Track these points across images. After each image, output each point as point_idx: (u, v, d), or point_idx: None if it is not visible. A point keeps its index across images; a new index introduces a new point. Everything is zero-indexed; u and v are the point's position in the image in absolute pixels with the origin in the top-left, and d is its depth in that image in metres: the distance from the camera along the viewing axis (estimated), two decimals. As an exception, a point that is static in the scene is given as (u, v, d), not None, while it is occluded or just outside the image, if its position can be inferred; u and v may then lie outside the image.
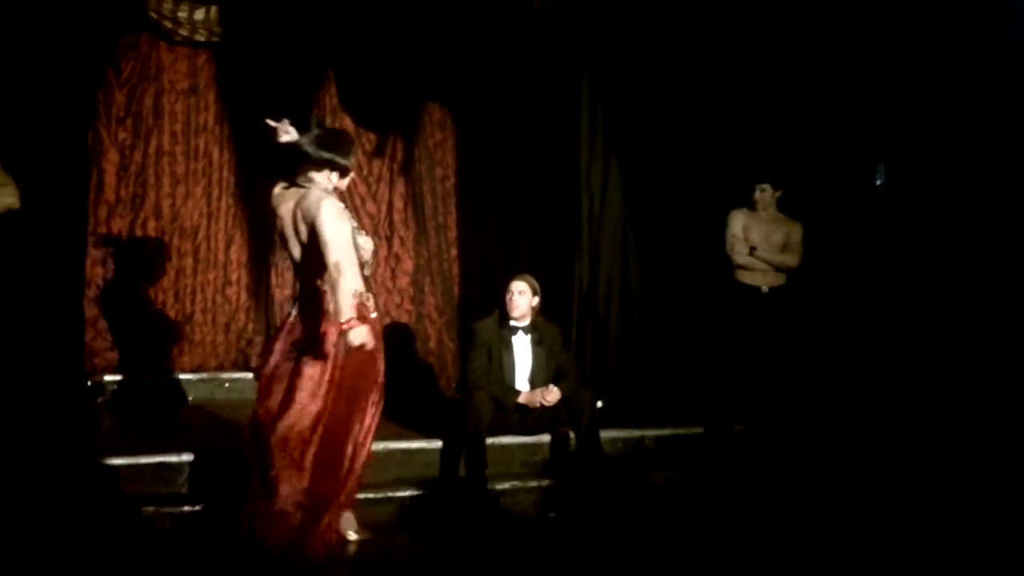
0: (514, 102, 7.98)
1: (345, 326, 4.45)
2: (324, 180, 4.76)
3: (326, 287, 4.59)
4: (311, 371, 4.65)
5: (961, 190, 7.28)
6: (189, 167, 7.80)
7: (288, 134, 4.85)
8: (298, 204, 4.70)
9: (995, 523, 5.42)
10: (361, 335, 4.48)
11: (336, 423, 4.69)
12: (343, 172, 4.85)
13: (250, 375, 7.65)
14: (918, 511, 5.69)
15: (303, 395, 4.64)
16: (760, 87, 7.56)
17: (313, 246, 4.60)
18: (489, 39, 7.75)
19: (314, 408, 4.64)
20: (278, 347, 4.81)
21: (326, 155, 4.77)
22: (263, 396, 4.75)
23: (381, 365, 4.85)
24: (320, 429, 4.65)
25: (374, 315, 4.75)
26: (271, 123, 4.88)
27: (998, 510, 5.62)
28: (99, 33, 7.08)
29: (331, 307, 4.55)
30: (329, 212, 4.54)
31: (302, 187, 4.75)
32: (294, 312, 4.86)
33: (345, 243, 4.53)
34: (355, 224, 4.76)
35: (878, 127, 7.57)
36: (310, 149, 4.77)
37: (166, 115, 7.75)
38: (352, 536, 4.99)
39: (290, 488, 4.62)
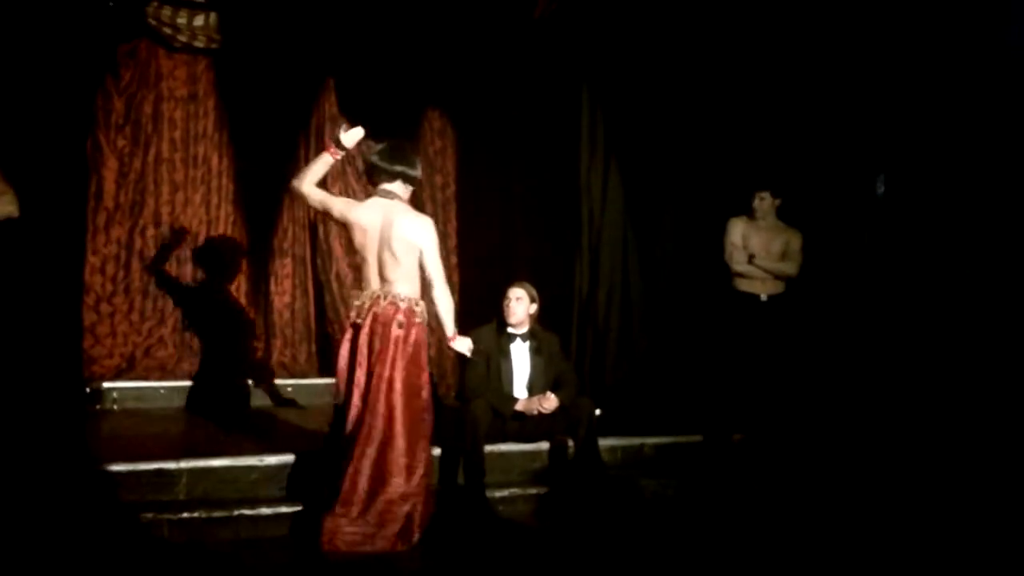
0: (514, 110, 7.99)
1: (451, 339, 5.17)
2: (399, 191, 5.07)
3: (404, 297, 4.97)
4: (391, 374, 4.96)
5: (962, 199, 7.28)
6: (188, 174, 7.80)
7: (353, 135, 5.17)
8: (387, 217, 4.97)
9: (995, 535, 5.41)
10: (465, 344, 5.23)
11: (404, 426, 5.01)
12: (412, 182, 5.15)
13: (249, 381, 7.67)
14: (917, 519, 5.68)
15: (394, 397, 4.96)
16: (760, 96, 7.56)
17: (400, 258, 4.94)
18: (490, 48, 7.76)
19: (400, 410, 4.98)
20: (346, 350, 5.09)
21: (398, 167, 5.06)
22: (347, 399, 5.03)
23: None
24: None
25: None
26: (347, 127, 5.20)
27: (997, 520, 5.61)
28: (98, 40, 7.07)
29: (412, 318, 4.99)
30: (434, 240, 4.98)
31: (383, 198, 5.03)
32: (366, 317, 5.01)
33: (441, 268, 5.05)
34: None
35: (879, 136, 7.58)
36: (381, 162, 5.06)
37: (165, 122, 7.75)
38: None
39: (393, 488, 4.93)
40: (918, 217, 7.50)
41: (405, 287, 5.00)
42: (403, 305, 4.98)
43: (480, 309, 6.09)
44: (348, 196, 7.97)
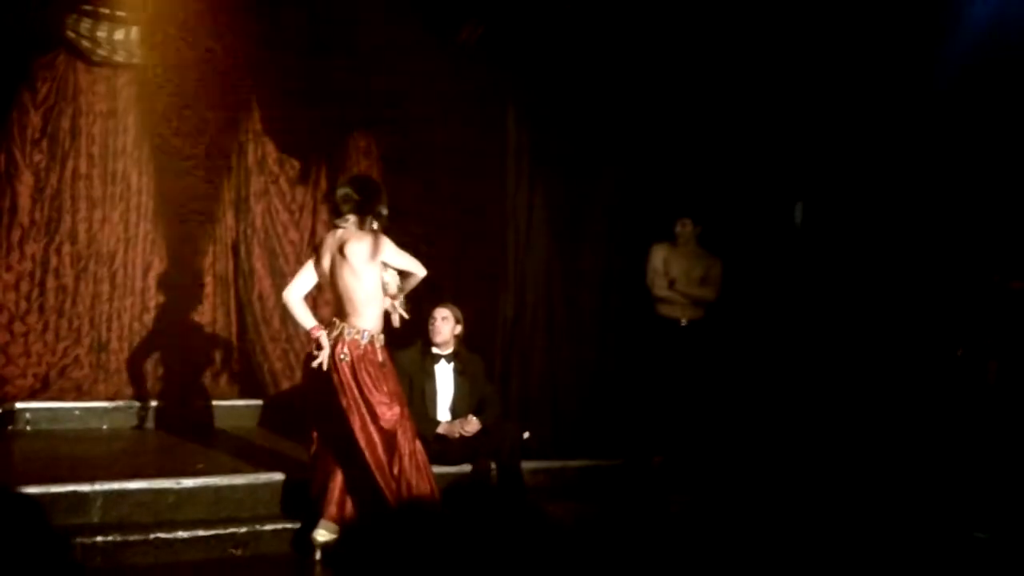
0: (440, 133, 7.98)
1: None
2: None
3: None
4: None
5: (877, 227, 7.47)
6: (106, 191, 7.63)
7: None
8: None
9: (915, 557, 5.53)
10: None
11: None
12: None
13: (167, 403, 7.52)
14: (833, 540, 5.78)
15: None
16: (683, 124, 7.67)
17: None
18: (415, 69, 7.74)
19: None
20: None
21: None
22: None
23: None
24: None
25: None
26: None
27: (918, 542, 5.73)
28: (13, 53, 6.96)
29: None
30: None
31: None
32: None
33: None
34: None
35: (797, 165, 7.75)
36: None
37: (83, 137, 7.58)
38: (319, 539, 5.15)
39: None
40: (834, 244, 7.67)
41: None
42: None
43: (403, 331, 6.06)
44: (271, 216, 7.96)
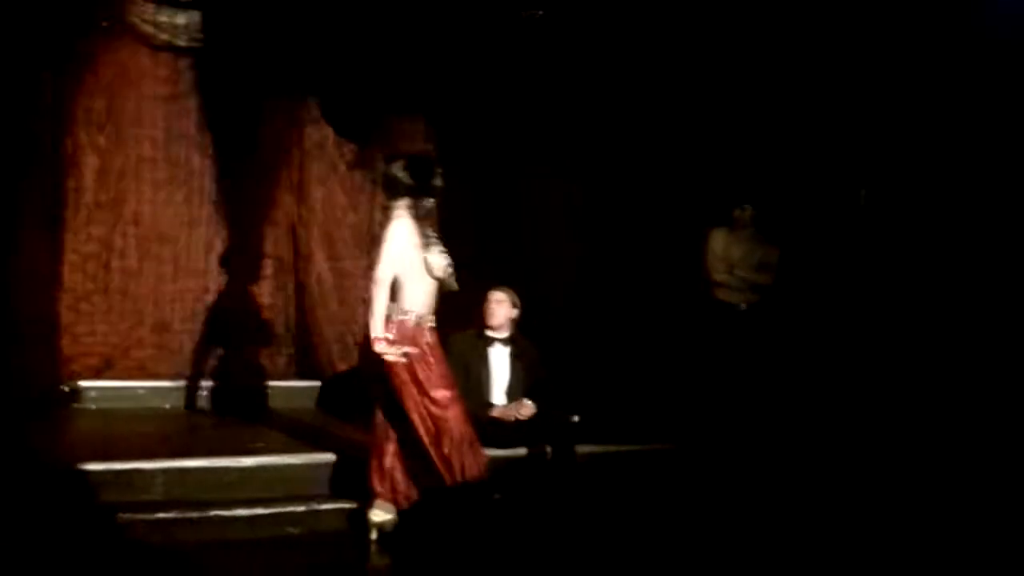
0: (496, 116, 7.97)
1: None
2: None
3: None
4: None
5: (943, 212, 7.34)
6: (170, 173, 7.75)
7: None
8: None
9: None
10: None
11: None
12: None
13: (228, 383, 7.62)
14: (884, 531, 5.73)
15: None
16: (744, 108, 7.60)
17: None
18: (474, 53, 7.75)
19: None
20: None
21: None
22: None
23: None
24: None
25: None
26: None
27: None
28: (78, 38, 7.07)
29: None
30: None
31: None
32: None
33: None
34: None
35: (861, 148, 7.64)
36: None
37: (146, 121, 7.69)
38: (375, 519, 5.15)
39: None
40: (899, 231, 7.56)
41: None
42: None
43: (459, 314, 6.08)
44: (329, 200, 8.03)
